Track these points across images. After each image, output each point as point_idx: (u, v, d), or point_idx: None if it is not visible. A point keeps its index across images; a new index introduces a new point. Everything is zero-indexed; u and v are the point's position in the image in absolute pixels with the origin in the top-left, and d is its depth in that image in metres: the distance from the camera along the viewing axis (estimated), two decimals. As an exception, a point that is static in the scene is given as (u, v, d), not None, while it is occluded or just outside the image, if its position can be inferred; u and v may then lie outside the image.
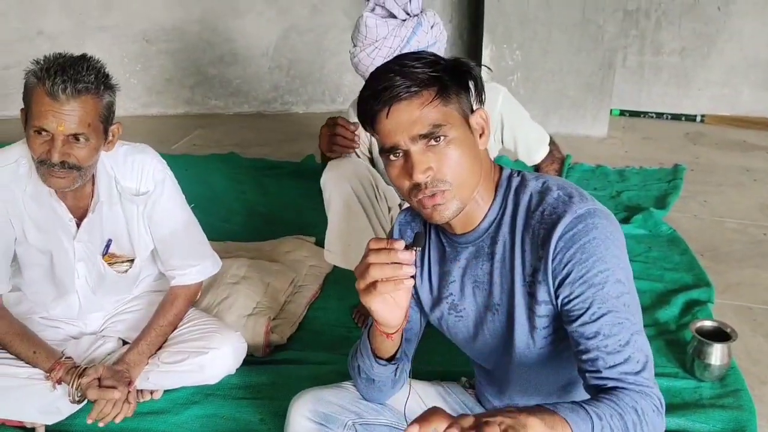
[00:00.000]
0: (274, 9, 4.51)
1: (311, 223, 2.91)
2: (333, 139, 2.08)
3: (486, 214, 1.28)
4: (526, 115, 2.30)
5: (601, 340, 1.13)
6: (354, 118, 2.27)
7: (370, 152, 2.32)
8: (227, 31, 4.54)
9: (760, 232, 2.98)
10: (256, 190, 3.45)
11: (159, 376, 1.91)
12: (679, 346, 2.17)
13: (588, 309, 1.15)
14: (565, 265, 1.17)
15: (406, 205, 2.08)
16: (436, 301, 1.40)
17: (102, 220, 1.84)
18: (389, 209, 2.22)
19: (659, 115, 4.39)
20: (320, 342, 2.29)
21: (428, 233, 1.39)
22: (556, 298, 1.20)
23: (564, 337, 1.24)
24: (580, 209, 1.18)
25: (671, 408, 1.89)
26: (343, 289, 2.53)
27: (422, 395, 1.53)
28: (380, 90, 1.17)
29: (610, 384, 1.11)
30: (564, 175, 2.77)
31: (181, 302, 1.98)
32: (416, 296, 1.42)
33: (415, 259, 1.14)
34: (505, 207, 1.27)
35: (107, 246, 1.89)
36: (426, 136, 1.17)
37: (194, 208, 2.03)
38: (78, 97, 1.59)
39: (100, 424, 1.78)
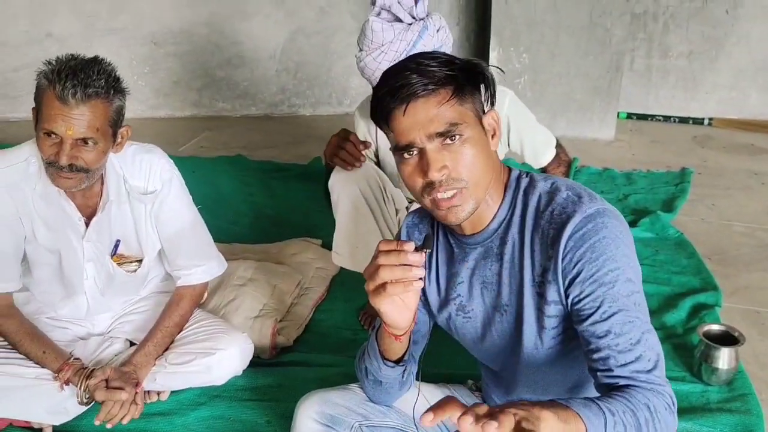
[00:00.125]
0: (281, 12, 4.52)
1: (318, 225, 2.92)
2: (339, 151, 2.08)
3: (495, 215, 1.28)
4: (532, 118, 2.30)
5: (612, 339, 1.13)
6: (361, 122, 2.29)
7: (377, 155, 2.32)
8: (235, 34, 4.55)
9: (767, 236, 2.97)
10: (263, 192, 3.46)
11: (166, 377, 1.91)
12: (686, 349, 2.17)
13: (599, 308, 1.15)
14: (575, 265, 1.17)
15: (414, 207, 2.09)
16: (444, 303, 1.40)
17: (111, 220, 1.85)
18: (396, 212, 2.22)
19: (667, 119, 4.38)
20: (326, 344, 2.29)
21: (436, 235, 1.39)
22: (566, 297, 1.20)
23: (572, 337, 1.24)
24: (590, 209, 1.19)
25: (678, 412, 1.87)
26: (349, 292, 2.54)
27: (429, 397, 1.52)
28: (397, 87, 1.17)
29: (622, 382, 1.11)
30: (571, 178, 2.76)
31: (186, 303, 1.99)
32: (424, 298, 1.42)
33: (424, 261, 1.14)
34: (515, 207, 1.27)
35: (116, 246, 1.90)
36: (442, 135, 1.17)
37: (201, 210, 2.04)
38: (88, 102, 1.60)
39: (108, 426, 1.78)
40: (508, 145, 2.27)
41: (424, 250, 1.14)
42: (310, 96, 4.72)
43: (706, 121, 4.31)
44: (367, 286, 1.16)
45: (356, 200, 2.11)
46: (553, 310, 1.23)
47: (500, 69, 1.32)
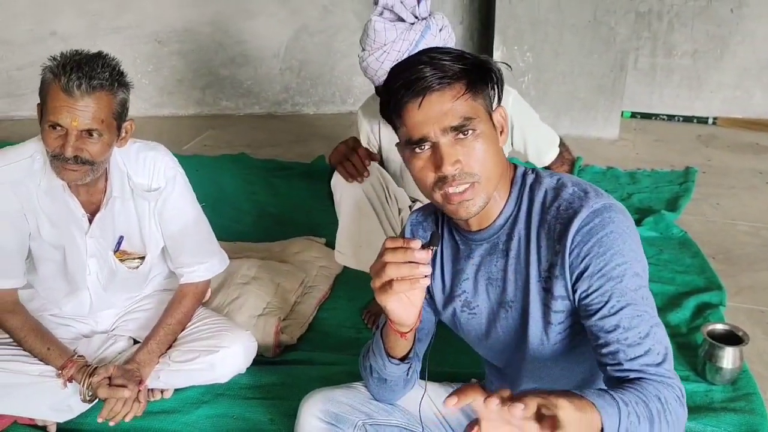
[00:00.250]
0: (285, 10, 4.52)
1: (321, 223, 2.92)
2: (345, 161, 2.09)
3: (501, 211, 1.28)
4: (536, 116, 2.30)
5: (621, 333, 1.13)
6: (363, 122, 2.29)
7: (380, 154, 2.32)
8: (238, 33, 4.56)
9: (772, 236, 2.96)
10: (266, 190, 3.46)
11: (170, 375, 1.91)
12: (690, 349, 2.16)
13: (607, 302, 1.15)
14: (583, 259, 1.17)
15: (417, 206, 2.09)
16: (449, 299, 1.40)
17: (114, 216, 1.86)
18: (399, 211, 2.22)
19: (671, 117, 4.38)
20: (330, 343, 2.29)
21: (441, 232, 1.39)
22: (574, 292, 1.20)
23: (578, 332, 1.24)
24: (596, 204, 1.19)
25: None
26: (353, 290, 2.54)
27: (433, 396, 1.52)
28: (413, 80, 1.17)
29: (632, 375, 1.12)
30: (575, 176, 2.76)
31: (189, 300, 1.99)
32: (428, 295, 1.42)
33: (431, 259, 1.14)
34: (521, 203, 1.27)
35: (119, 243, 1.90)
36: (456, 129, 1.17)
37: (205, 208, 2.04)
38: (92, 94, 1.61)
39: (111, 423, 1.79)
40: (512, 144, 2.27)
41: (431, 248, 1.14)
42: (313, 95, 4.73)
43: (710, 120, 4.30)
44: (373, 283, 1.16)
45: (359, 199, 2.11)
46: (559, 305, 1.24)
47: (508, 65, 1.31)
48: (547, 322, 1.27)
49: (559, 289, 1.22)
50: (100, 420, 1.78)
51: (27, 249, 1.87)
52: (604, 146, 3.97)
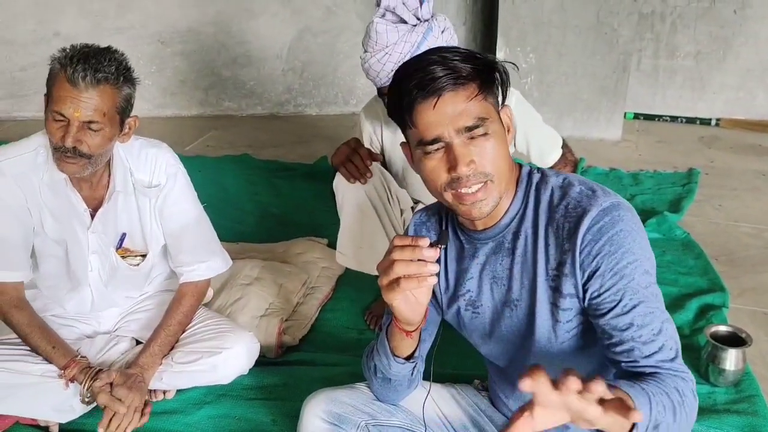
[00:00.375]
0: (288, 11, 4.52)
1: (324, 224, 2.92)
2: (347, 163, 2.09)
3: (507, 210, 1.28)
4: (538, 117, 2.29)
5: (635, 331, 1.15)
6: (366, 123, 2.29)
7: (382, 155, 2.32)
8: (241, 33, 4.56)
9: (775, 237, 2.96)
10: (269, 191, 3.46)
11: (172, 376, 1.91)
12: (693, 351, 2.16)
13: (620, 301, 1.16)
14: (594, 258, 1.18)
15: (419, 207, 2.08)
16: (453, 298, 1.40)
17: (117, 212, 1.86)
18: (401, 212, 2.22)
19: (674, 119, 4.37)
20: (332, 344, 2.29)
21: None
22: (584, 291, 1.21)
23: (586, 330, 1.25)
24: (605, 202, 1.19)
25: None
26: (355, 291, 2.54)
27: (436, 397, 1.53)
28: (427, 81, 1.16)
29: (649, 371, 1.13)
30: (577, 178, 2.75)
31: (189, 300, 1.99)
32: (432, 295, 1.42)
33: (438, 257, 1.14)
34: (527, 202, 1.28)
35: (121, 240, 1.91)
36: (470, 129, 1.17)
37: (207, 209, 2.04)
38: (97, 86, 1.62)
39: None
40: (514, 144, 2.27)
41: (440, 246, 1.14)
42: (316, 95, 4.73)
43: (713, 122, 4.29)
44: (381, 281, 1.16)
45: (361, 201, 2.11)
46: (568, 304, 1.24)
47: (515, 65, 1.31)
48: (555, 320, 1.27)
49: (568, 287, 1.22)
50: (100, 430, 1.75)
51: (31, 243, 1.87)
52: (607, 147, 3.97)
